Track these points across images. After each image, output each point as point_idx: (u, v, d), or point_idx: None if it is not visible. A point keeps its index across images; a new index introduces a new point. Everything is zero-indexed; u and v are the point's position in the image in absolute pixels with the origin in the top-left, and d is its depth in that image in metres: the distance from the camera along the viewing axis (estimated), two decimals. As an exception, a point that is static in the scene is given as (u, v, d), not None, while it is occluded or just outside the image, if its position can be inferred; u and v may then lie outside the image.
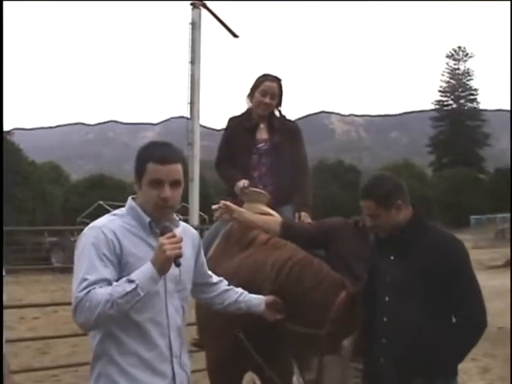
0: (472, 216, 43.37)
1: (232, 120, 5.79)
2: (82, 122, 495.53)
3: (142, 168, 3.28)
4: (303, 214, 5.34)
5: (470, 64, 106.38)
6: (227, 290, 3.92)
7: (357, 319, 3.74)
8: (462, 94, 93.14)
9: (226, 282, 3.96)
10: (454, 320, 3.72)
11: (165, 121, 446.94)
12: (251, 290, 4.03)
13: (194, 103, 24.81)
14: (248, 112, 5.69)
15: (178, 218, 3.47)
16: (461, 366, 3.79)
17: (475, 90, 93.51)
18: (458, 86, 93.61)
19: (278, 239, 4.54)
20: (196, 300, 4.06)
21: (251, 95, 5.60)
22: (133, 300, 2.99)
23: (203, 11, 25.17)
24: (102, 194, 42.80)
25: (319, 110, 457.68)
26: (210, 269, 3.93)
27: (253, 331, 4.19)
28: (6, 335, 10.19)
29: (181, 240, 3.16)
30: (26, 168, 42.05)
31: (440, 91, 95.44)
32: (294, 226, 4.87)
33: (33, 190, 41.25)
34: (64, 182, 57.19)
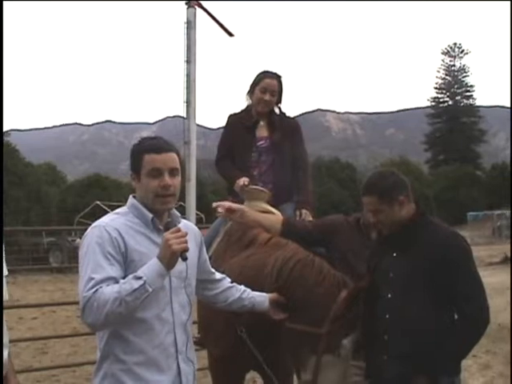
0: (469, 213, 43.39)
1: (231, 117, 5.76)
2: (78, 122, 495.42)
3: (139, 161, 3.30)
4: (304, 211, 5.32)
5: (465, 60, 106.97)
6: (230, 288, 3.92)
7: (357, 318, 3.73)
8: (458, 91, 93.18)
9: (228, 280, 3.97)
10: (456, 316, 3.72)
11: (161, 120, 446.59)
12: (253, 289, 4.02)
13: (190, 102, 24.81)
14: (248, 109, 5.66)
15: (179, 214, 3.48)
16: (461, 363, 3.79)
17: (471, 86, 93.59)
18: (454, 82, 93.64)
19: (279, 238, 4.52)
20: (198, 298, 4.04)
21: (251, 92, 5.57)
22: (141, 297, 2.99)
23: (198, 10, 25.21)
24: (98, 193, 42.79)
25: (315, 108, 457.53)
26: (211, 267, 3.93)
27: (254, 330, 4.18)
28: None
29: (186, 234, 3.17)
30: (22, 169, 42.04)
31: (436, 88, 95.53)
32: (295, 224, 4.86)
33: (28, 190, 41.23)
34: (60, 183, 57.19)
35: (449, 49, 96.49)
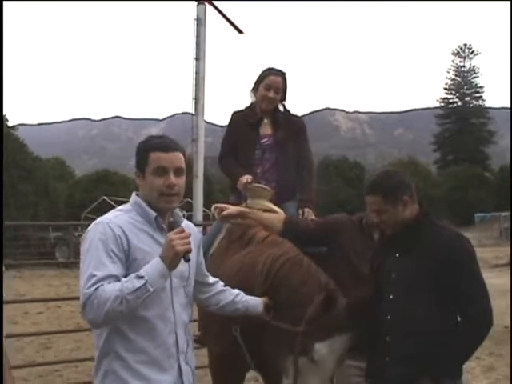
0: (476, 214, 43.25)
1: (235, 114, 5.72)
2: (87, 117, 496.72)
3: (145, 158, 3.30)
4: (307, 210, 5.30)
5: (475, 61, 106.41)
6: (223, 291, 3.90)
7: (336, 324, 3.62)
8: (468, 92, 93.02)
9: (221, 283, 3.95)
10: (459, 318, 3.69)
11: (170, 117, 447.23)
12: (248, 287, 4.03)
13: (198, 99, 24.92)
14: (252, 106, 5.63)
15: (181, 214, 3.47)
16: (465, 365, 3.77)
17: (481, 87, 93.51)
18: (464, 83, 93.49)
19: (276, 237, 4.51)
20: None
21: (255, 89, 5.53)
22: (142, 296, 2.99)
23: (208, 7, 25.27)
24: (106, 189, 42.87)
25: (324, 107, 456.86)
26: (213, 265, 3.93)
27: (249, 330, 4.16)
28: (10, 329, 10.26)
29: (189, 235, 3.17)
30: (30, 163, 42.12)
31: (445, 89, 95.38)
32: (297, 223, 4.83)
33: (36, 184, 41.31)
34: (68, 178, 57.36)
35: (459, 49, 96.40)
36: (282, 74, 5.47)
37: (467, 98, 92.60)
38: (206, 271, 3.85)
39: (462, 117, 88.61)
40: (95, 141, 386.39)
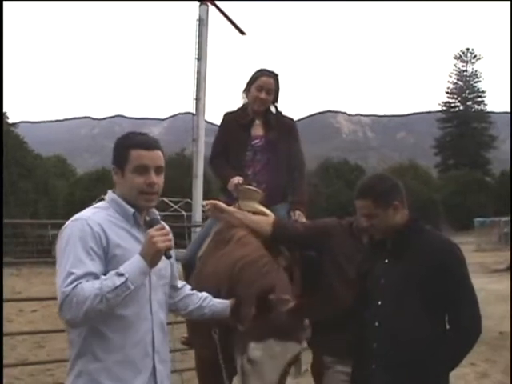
0: (476, 219, 43.20)
1: (227, 115, 5.65)
2: (89, 116, 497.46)
3: (125, 155, 3.25)
4: (297, 212, 5.24)
5: (477, 66, 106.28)
6: (190, 295, 3.84)
7: (273, 328, 3.50)
8: (470, 96, 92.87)
9: (189, 287, 3.89)
10: (447, 325, 3.65)
11: (172, 116, 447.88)
12: (218, 289, 4.03)
13: (199, 99, 24.95)
14: (243, 107, 5.57)
15: (157, 212, 3.41)
16: (458, 371, 3.74)
17: (483, 92, 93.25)
18: (466, 87, 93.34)
19: (249, 238, 4.46)
20: None
21: (247, 90, 5.48)
22: (122, 294, 2.94)
23: (211, 8, 25.29)
24: (106, 188, 42.49)
25: (326, 109, 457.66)
26: (199, 268, 3.88)
27: (224, 332, 4.11)
28: (5, 328, 10.26)
29: (170, 232, 3.14)
30: (30, 161, 42.10)
31: (447, 93, 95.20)
32: (286, 227, 4.78)
33: (36, 182, 41.30)
34: (69, 176, 57.39)
35: (461, 54, 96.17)
36: (274, 76, 5.41)
37: (469, 103, 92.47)
38: (176, 273, 3.77)
39: (463, 121, 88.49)
40: (97, 139, 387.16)
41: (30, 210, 39.01)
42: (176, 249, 3.32)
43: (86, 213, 3.24)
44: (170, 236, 3.13)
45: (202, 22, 24.73)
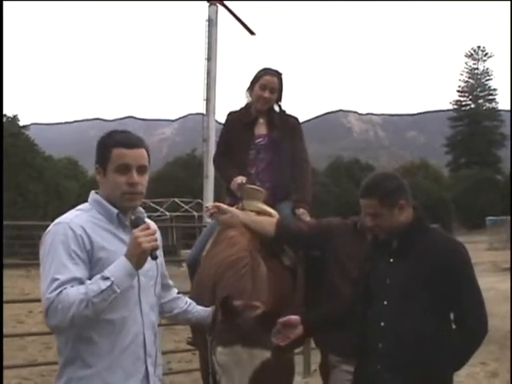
0: (487, 217, 42.96)
1: (231, 114, 5.64)
2: (100, 117, 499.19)
3: (107, 154, 3.17)
4: (301, 210, 5.20)
5: (489, 64, 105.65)
6: (177, 299, 3.80)
7: (239, 333, 3.44)
8: (481, 94, 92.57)
9: (176, 290, 3.84)
10: (453, 325, 3.61)
11: (182, 117, 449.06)
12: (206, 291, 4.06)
13: (209, 100, 25.06)
14: (247, 106, 5.55)
15: (143, 211, 3.30)
16: (468, 371, 3.70)
17: (494, 90, 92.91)
18: (477, 85, 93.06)
19: (239, 237, 4.41)
20: None
21: (251, 89, 5.45)
22: (109, 298, 2.87)
23: (220, 8, 25.35)
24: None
25: (337, 109, 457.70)
26: (200, 268, 3.85)
27: None
28: (14, 329, 10.28)
29: (155, 232, 3.08)
30: (40, 162, 42.20)
31: (458, 91, 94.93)
32: (290, 226, 4.76)
33: (47, 184, 41.41)
34: (81, 177, 57.53)
35: (472, 52, 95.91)
36: (278, 75, 5.40)
37: (480, 101, 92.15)
38: (166, 272, 3.71)
39: (474, 119, 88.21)
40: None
41: (40, 212, 39.11)
42: (188, 250, 3.24)
43: (69, 215, 3.16)
44: (156, 236, 3.07)
45: (212, 23, 24.83)
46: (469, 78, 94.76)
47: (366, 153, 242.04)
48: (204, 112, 25.23)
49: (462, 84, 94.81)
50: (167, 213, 37.47)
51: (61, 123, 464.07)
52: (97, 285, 2.86)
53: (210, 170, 25.01)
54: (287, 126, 5.46)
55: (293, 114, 5.59)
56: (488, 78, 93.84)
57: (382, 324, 3.62)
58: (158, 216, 36.53)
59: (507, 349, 9.77)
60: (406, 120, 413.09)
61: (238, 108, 5.64)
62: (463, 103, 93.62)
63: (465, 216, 58.04)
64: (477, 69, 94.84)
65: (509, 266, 24.07)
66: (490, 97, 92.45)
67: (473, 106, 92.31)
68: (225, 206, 4.77)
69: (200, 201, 30.14)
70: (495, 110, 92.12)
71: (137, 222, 3.12)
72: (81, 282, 2.92)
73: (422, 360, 3.49)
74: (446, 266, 3.50)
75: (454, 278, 3.52)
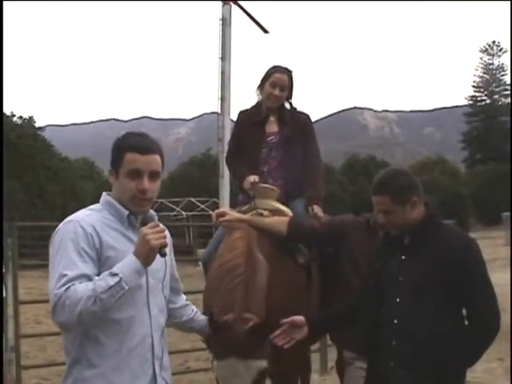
0: (504, 213, 42.64)
1: (242, 113, 5.65)
2: (116, 117, 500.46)
3: (120, 158, 3.16)
4: (315, 207, 5.21)
5: (504, 59, 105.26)
6: (185, 306, 3.77)
7: (233, 346, 3.48)
8: (496, 90, 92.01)
9: (184, 297, 3.82)
10: (466, 322, 3.60)
11: (197, 117, 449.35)
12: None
13: (224, 99, 25.01)
14: (258, 105, 5.55)
15: (154, 213, 3.31)
16: (486, 367, 3.69)
17: (509, 85, 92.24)
18: (492, 81, 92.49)
19: (239, 241, 4.39)
20: None
21: (261, 87, 5.46)
22: (117, 295, 2.85)
23: (234, 7, 25.33)
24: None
25: (352, 106, 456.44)
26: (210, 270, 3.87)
27: None
28: (34, 329, 10.37)
29: (164, 230, 3.07)
30: (56, 164, 42.35)
31: (474, 86, 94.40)
32: (302, 225, 4.76)
33: (63, 185, 41.55)
34: (97, 178, 57.63)
35: (487, 47, 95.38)
36: (288, 72, 5.40)
37: (496, 96, 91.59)
38: (177, 275, 3.70)
39: (490, 115, 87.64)
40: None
41: (57, 213, 39.26)
42: (204, 249, 3.21)
43: (79, 214, 3.16)
44: (165, 234, 3.05)
45: (225, 22, 24.78)
46: (484, 73, 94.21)
47: (382, 150, 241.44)
48: (219, 111, 25.16)
49: (477, 79, 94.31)
50: (183, 212, 37.48)
51: (77, 124, 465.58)
52: (105, 281, 2.85)
53: (226, 169, 24.94)
54: (298, 123, 5.46)
55: (305, 111, 5.61)
56: (503, 73, 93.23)
57: (396, 321, 3.62)
58: (175, 215, 36.56)
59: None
60: (422, 116, 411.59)
61: (249, 107, 5.65)
62: (479, 99, 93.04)
63: (481, 212, 57.71)
64: (492, 64, 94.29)
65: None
66: (506, 92, 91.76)
67: (488, 101, 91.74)
68: (232, 213, 4.78)
69: (216, 200, 30.13)
70: (511, 105, 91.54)
71: (146, 221, 3.14)
72: (89, 278, 2.91)
73: (435, 357, 3.49)
74: (458, 262, 3.49)
75: (467, 275, 3.50)
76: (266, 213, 4.91)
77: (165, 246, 3.02)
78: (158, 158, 3.21)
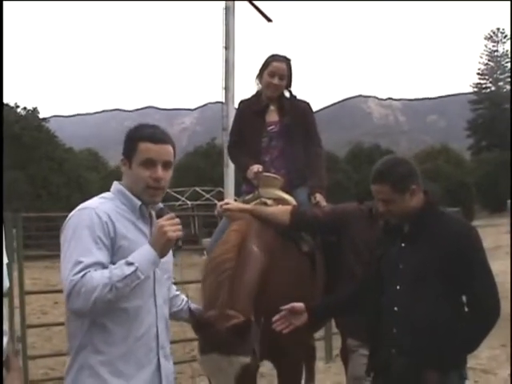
0: (508, 200, 42.55)
1: (242, 103, 5.68)
2: (120, 108, 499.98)
3: (133, 147, 3.19)
4: (318, 195, 5.23)
5: (508, 46, 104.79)
6: (176, 296, 3.81)
7: (215, 343, 3.57)
8: (501, 77, 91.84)
9: (175, 287, 3.84)
10: (466, 309, 3.61)
11: (202, 106, 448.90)
12: None
13: (228, 88, 24.88)
14: (258, 94, 5.56)
15: (162, 206, 3.34)
16: (489, 353, 3.70)
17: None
18: (497, 68, 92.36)
19: (233, 234, 4.40)
20: None
21: (260, 76, 5.47)
22: (132, 284, 2.89)
23: (237, -4, 25.19)
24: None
25: (357, 94, 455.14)
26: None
27: None
28: (40, 319, 10.38)
29: (179, 222, 3.09)
30: (60, 155, 42.38)
31: (478, 74, 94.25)
32: (305, 214, 4.77)
33: (68, 176, 41.60)
34: (102, 169, 57.63)
35: (492, 34, 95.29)
36: (286, 60, 5.41)
37: (501, 83, 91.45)
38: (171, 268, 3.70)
39: (495, 102, 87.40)
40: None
41: (62, 204, 39.33)
42: (210, 238, 3.22)
43: (93, 202, 3.17)
44: (180, 226, 3.08)
45: (229, 11, 24.63)
46: (488, 60, 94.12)
47: (387, 138, 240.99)
48: (223, 101, 25.07)
49: (482, 67, 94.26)
50: (188, 202, 37.52)
51: (81, 115, 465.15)
52: (121, 270, 2.88)
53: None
54: (298, 111, 5.47)
55: (309, 99, 5.60)
56: (508, 60, 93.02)
57: (396, 309, 3.63)
58: (180, 205, 36.61)
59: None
60: (426, 104, 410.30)
61: (249, 96, 5.65)
62: (483, 86, 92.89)
63: (486, 199, 57.68)
64: (496, 51, 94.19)
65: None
66: (510, 79, 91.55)
67: (493, 88, 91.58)
68: (235, 203, 4.81)
69: (221, 189, 30.09)
70: (510, 94, 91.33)
71: (161, 213, 3.19)
72: (104, 266, 2.93)
73: (435, 344, 3.49)
74: (457, 250, 3.50)
75: (466, 263, 3.51)
76: (269, 202, 4.93)
77: (181, 238, 3.05)
78: (170, 148, 3.26)
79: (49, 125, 45.26)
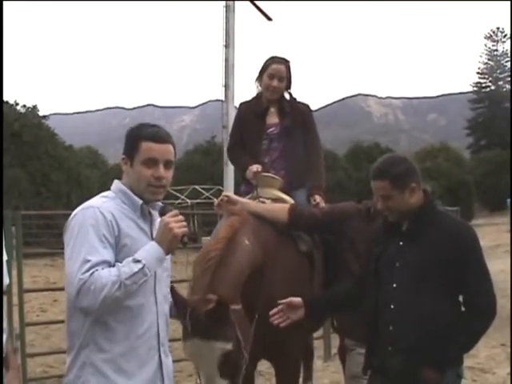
0: (508, 199, 42.63)
1: (242, 105, 5.71)
2: (120, 105, 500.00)
3: (135, 147, 3.22)
4: (317, 197, 5.27)
5: (508, 45, 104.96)
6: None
7: (195, 328, 3.55)
8: (501, 76, 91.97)
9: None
10: (463, 308, 3.65)
11: (202, 104, 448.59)
12: None
13: (228, 86, 24.87)
14: (258, 96, 5.59)
15: (162, 205, 3.35)
16: (488, 352, 3.71)
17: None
18: (497, 67, 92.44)
19: (224, 228, 4.37)
20: None
21: (259, 79, 5.50)
22: (139, 281, 2.94)
23: (237, -6, 25.15)
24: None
25: (356, 93, 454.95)
26: None
27: None
28: (39, 317, 10.38)
29: (184, 219, 3.12)
30: (60, 152, 42.33)
31: (478, 73, 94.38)
32: (303, 213, 4.79)
33: (68, 174, 41.56)
34: (102, 166, 57.63)
35: (491, 33, 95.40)
36: (286, 62, 5.43)
37: (500, 82, 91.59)
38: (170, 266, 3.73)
39: (495, 101, 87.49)
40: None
41: (62, 202, 39.29)
42: (209, 236, 3.23)
43: (96, 201, 3.21)
44: (185, 223, 3.11)
45: (229, 9, 24.60)
46: (488, 59, 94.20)
47: (386, 137, 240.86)
48: (223, 99, 25.07)
49: (482, 66, 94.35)
50: (188, 200, 37.50)
51: (81, 112, 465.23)
52: (129, 267, 2.93)
53: (230, 157, 24.71)
54: (298, 113, 5.50)
55: (309, 98, 5.63)
56: (507, 59, 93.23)
57: (392, 307, 3.65)
58: (179, 203, 36.59)
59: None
60: (426, 103, 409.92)
61: (249, 97, 5.66)
62: (483, 85, 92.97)
63: (486, 198, 57.72)
64: (496, 50, 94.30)
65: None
66: (510, 78, 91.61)
67: (493, 87, 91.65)
68: (235, 197, 4.81)
69: (220, 187, 30.09)
70: (510, 93, 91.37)
71: (164, 211, 3.21)
72: (110, 265, 2.97)
73: (431, 342, 3.52)
74: (455, 249, 3.53)
75: (463, 261, 3.54)
76: (268, 202, 4.95)
77: (186, 234, 3.10)
78: (171, 147, 3.30)
79: (49, 122, 45.12)
